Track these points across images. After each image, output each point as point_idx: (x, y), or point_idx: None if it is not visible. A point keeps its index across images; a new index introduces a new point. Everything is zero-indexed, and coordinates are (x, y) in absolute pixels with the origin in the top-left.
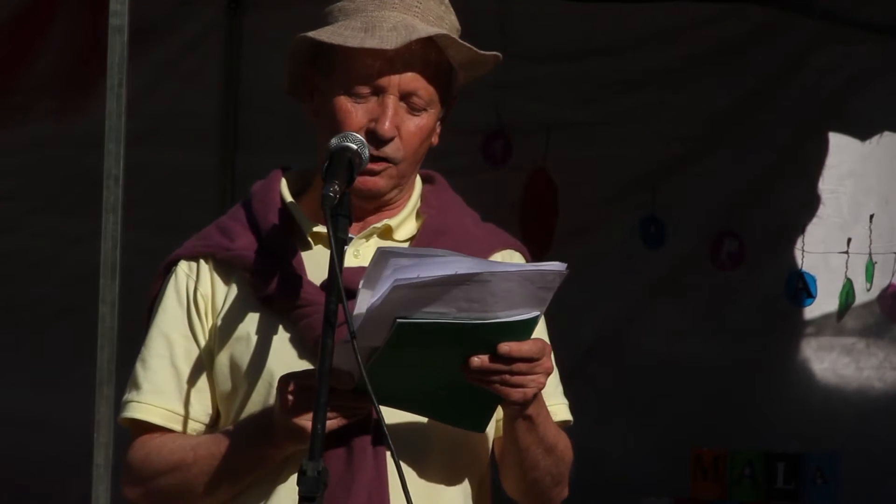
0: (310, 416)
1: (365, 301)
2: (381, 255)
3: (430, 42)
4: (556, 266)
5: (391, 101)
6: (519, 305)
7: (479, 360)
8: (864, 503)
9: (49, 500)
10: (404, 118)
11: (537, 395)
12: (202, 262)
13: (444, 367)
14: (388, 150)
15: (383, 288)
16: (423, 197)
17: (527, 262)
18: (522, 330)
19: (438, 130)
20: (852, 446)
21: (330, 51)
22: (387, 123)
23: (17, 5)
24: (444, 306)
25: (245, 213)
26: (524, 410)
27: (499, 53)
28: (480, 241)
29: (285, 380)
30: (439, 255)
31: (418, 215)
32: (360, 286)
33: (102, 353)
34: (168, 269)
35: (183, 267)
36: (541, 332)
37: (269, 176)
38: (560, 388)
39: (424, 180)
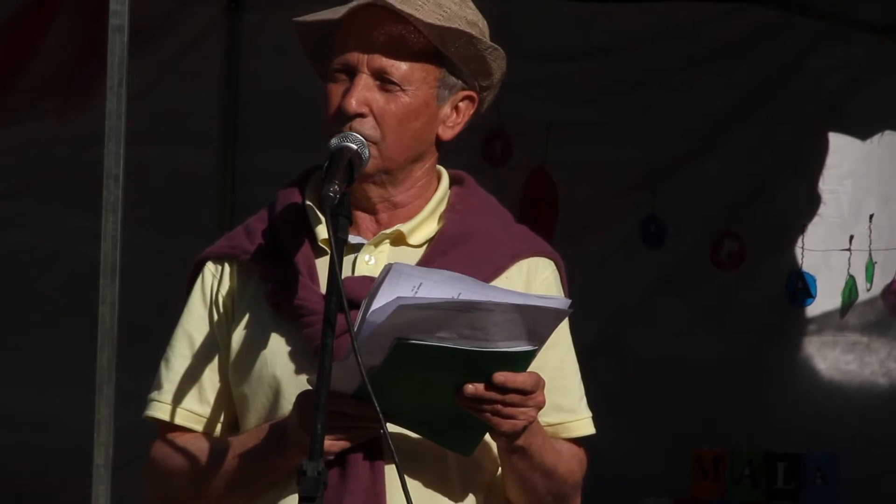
0: (332, 437)
1: (366, 310)
2: (386, 268)
3: (408, 23)
4: (559, 304)
5: (360, 78)
6: (519, 337)
7: (474, 388)
8: (864, 503)
9: (49, 500)
10: (378, 95)
11: (528, 427)
12: (227, 263)
13: (437, 391)
14: (356, 124)
15: (384, 299)
16: (449, 200)
17: (559, 269)
18: (520, 361)
19: (451, 124)
20: (854, 445)
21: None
22: (350, 99)
23: (16, 5)
24: (445, 331)
25: (269, 214)
26: (514, 442)
27: (463, 29)
28: (504, 248)
29: (307, 397)
30: (444, 273)
31: (440, 219)
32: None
33: (102, 353)
34: (198, 268)
35: (210, 267)
36: (563, 336)
37: (296, 176)
38: (584, 401)
39: (454, 182)
